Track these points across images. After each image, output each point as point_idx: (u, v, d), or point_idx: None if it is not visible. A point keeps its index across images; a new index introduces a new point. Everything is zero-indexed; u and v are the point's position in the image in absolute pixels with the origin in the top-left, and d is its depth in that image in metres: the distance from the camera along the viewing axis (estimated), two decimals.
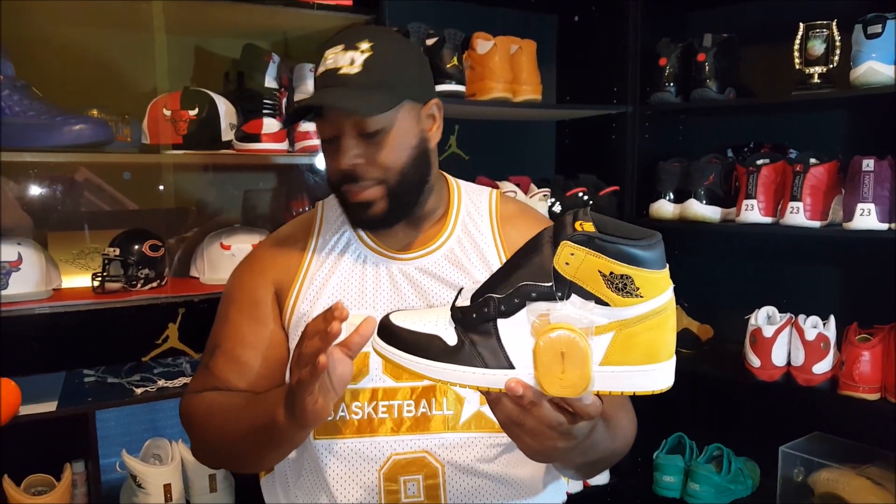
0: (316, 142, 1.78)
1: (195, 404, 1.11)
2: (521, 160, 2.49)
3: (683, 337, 2.23)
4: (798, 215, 1.87)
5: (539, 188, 2.17)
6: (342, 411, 1.05)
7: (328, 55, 1.02)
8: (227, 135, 1.73)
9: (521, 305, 0.68)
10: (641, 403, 1.08)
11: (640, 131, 2.29)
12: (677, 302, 0.72)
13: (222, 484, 1.81)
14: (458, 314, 0.72)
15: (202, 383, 1.15)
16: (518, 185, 2.18)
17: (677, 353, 0.70)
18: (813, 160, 1.88)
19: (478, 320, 0.70)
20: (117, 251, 1.68)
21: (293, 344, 1.12)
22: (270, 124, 1.72)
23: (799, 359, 1.92)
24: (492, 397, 0.72)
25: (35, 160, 1.71)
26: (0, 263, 1.54)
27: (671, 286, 0.67)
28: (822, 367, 1.90)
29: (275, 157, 1.81)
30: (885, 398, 1.78)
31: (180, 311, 1.82)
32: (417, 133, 1.06)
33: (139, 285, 1.69)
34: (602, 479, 2.24)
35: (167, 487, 1.70)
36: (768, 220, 1.97)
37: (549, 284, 0.66)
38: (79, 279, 1.79)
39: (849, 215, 1.79)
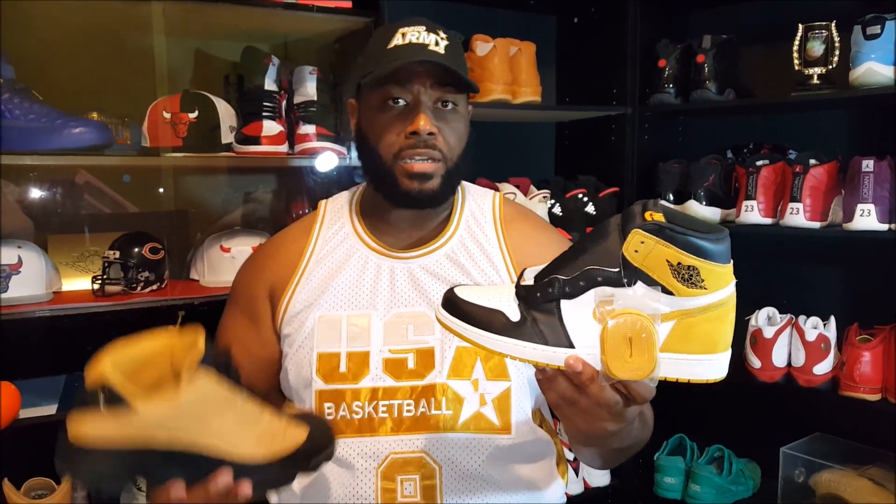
0: (316, 144, 1.78)
1: None
2: (520, 162, 2.49)
3: None
4: (798, 216, 1.87)
5: (539, 189, 2.17)
6: (343, 411, 1.05)
7: (407, 31, 1.05)
8: (227, 137, 1.73)
9: (586, 288, 0.70)
10: None
11: (639, 132, 2.29)
12: None
13: None
14: (522, 292, 0.74)
15: None
16: (518, 186, 2.18)
17: None
18: (812, 161, 1.88)
19: (541, 299, 0.73)
20: (117, 254, 1.68)
21: (285, 345, 1.13)
22: (270, 127, 1.72)
23: (799, 360, 1.92)
24: (546, 375, 0.74)
25: (35, 163, 1.71)
26: (0, 266, 1.54)
27: (734, 281, 0.70)
28: (823, 367, 1.90)
29: (275, 159, 1.81)
30: (886, 399, 1.78)
31: (180, 313, 1.81)
32: (468, 124, 1.12)
33: (139, 288, 1.69)
34: (603, 480, 2.24)
35: None
36: (768, 220, 1.97)
37: (616, 270, 0.69)
38: (79, 282, 1.79)
39: (849, 216, 1.79)
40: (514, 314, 0.73)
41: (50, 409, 1.57)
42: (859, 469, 1.90)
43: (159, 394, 0.74)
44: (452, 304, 0.76)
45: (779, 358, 1.96)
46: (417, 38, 1.04)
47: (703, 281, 0.67)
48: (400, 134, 1.05)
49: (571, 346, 0.71)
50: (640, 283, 0.68)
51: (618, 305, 0.68)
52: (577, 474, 2.16)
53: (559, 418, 0.76)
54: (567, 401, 0.74)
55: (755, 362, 1.97)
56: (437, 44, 1.04)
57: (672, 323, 0.68)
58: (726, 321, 0.70)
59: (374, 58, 1.06)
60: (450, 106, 1.07)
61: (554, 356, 0.71)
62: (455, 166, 1.08)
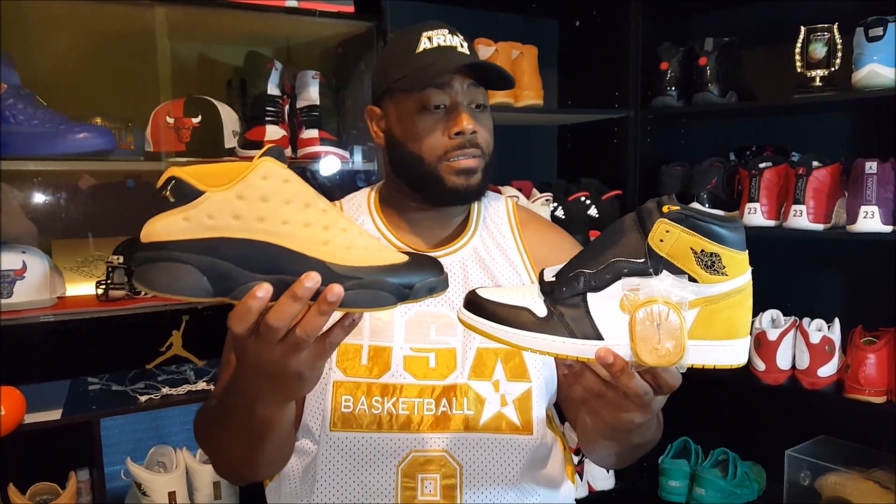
0: (319, 148, 1.78)
1: (196, 419, 1.07)
2: (523, 165, 2.50)
3: None
4: (801, 218, 1.87)
5: (541, 193, 2.17)
6: (361, 404, 1.05)
7: (432, 35, 1.07)
8: (230, 142, 1.74)
9: (612, 280, 0.72)
10: None
11: (641, 135, 2.29)
12: None
13: (227, 491, 1.81)
14: (548, 288, 0.75)
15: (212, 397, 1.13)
16: (520, 189, 2.18)
17: None
18: (815, 163, 1.88)
19: (567, 293, 0.74)
20: (121, 259, 1.68)
21: None
22: (273, 131, 1.73)
23: (804, 362, 1.92)
24: (574, 370, 0.76)
25: (39, 168, 1.71)
26: (4, 272, 1.54)
27: (750, 268, 0.72)
28: (828, 370, 1.89)
29: None
30: (891, 401, 1.78)
31: (184, 318, 1.82)
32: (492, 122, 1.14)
33: (143, 293, 1.69)
34: (607, 483, 2.23)
35: (172, 495, 1.70)
36: (771, 223, 1.97)
37: (642, 261, 0.71)
38: (83, 287, 1.79)
39: (852, 218, 1.79)
40: (540, 310, 0.74)
41: (55, 414, 1.57)
42: (864, 472, 1.89)
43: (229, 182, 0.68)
44: (476, 304, 0.77)
45: (783, 360, 1.95)
46: (444, 42, 1.06)
47: (724, 268, 0.69)
48: (444, 135, 1.06)
49: (600, 337, 0.72)
50: (665, 272, 0.70)
51: (645, 294, 0.70)
52: (581, 478, 2.16)
53: (586, 412, 0.76)
54: (595, 394, 0.75)
55: (759, 365, 1.97)
56: (462, 45, 1.07)
57: (697, 310, 0.70)
58: (745, 307, 0.72)
59: (404, 63, 1.07)
60: (482, 107, 1.10)
61: (584, 349, 0.72)
62: (490, 161, 1.11)
